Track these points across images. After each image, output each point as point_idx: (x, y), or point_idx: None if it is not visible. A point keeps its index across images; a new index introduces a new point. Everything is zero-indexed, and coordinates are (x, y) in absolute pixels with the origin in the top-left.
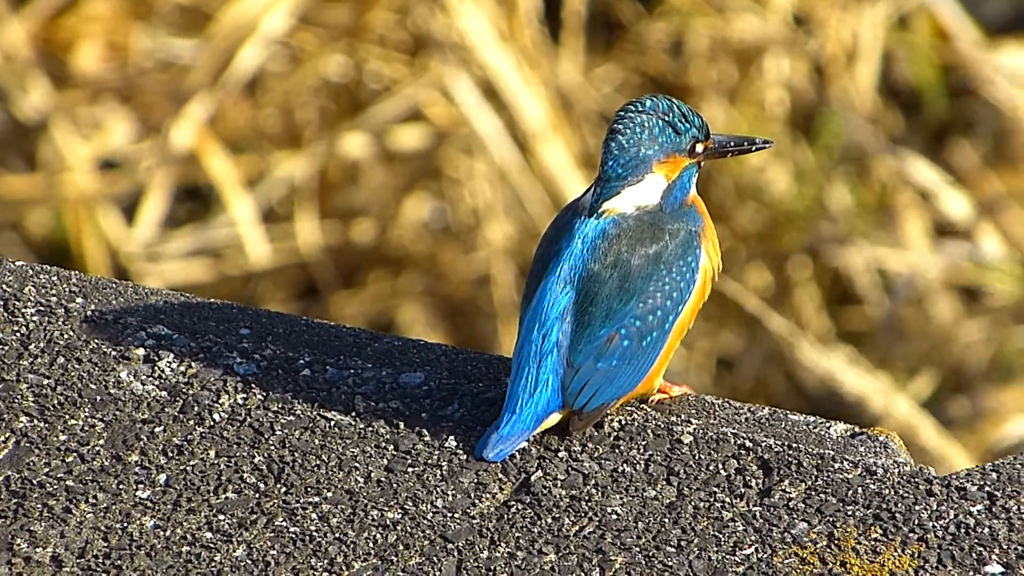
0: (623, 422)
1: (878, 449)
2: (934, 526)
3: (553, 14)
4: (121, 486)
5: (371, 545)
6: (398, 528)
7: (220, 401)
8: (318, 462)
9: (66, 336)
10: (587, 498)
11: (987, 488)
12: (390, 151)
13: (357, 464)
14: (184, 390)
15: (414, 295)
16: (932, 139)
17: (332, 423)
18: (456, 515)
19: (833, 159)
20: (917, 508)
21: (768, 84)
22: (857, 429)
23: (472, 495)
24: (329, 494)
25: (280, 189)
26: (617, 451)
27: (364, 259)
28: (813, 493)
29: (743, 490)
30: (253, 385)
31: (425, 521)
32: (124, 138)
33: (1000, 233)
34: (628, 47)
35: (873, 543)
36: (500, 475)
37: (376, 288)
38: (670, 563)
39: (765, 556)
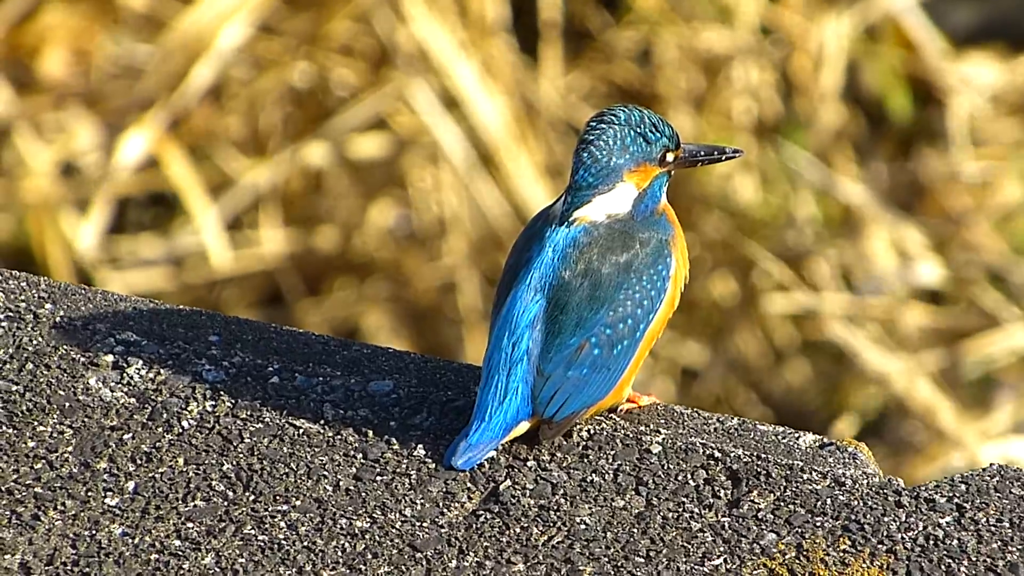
0: (592, 431)
1: (847, 460)
2: (903, 537)
3: (521, 23)
4: (90, 493)
5: (340, 554)
6: (366, 537)
7: (189, 408)
8: (287, 470)
9: (35, 342)
10: (556, 508)
11: (956, 500)
12: (354, 159)
13: (326, 472)
14: (153, 397)
15: (379, 302)
16: (897, 148)
17: (301, 431)
18: (425, 524)
19: (798, 170)
20: (886, 519)
21: (735, 93)
22: (826, 440)
23: (441, 504)
24: (298, 502)
25: (245, 196)
26: (586, 460)
27: (329, 266)
28: (782, 504)
29: (712, 500)
30: (222, 392)
31: (393, 530)
32: (88, 143)
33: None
34: (596, 56)
35: (842, 554)
36: (469, 484)
37: (341, 295)
38: (639, 573)
39: (734, 567)
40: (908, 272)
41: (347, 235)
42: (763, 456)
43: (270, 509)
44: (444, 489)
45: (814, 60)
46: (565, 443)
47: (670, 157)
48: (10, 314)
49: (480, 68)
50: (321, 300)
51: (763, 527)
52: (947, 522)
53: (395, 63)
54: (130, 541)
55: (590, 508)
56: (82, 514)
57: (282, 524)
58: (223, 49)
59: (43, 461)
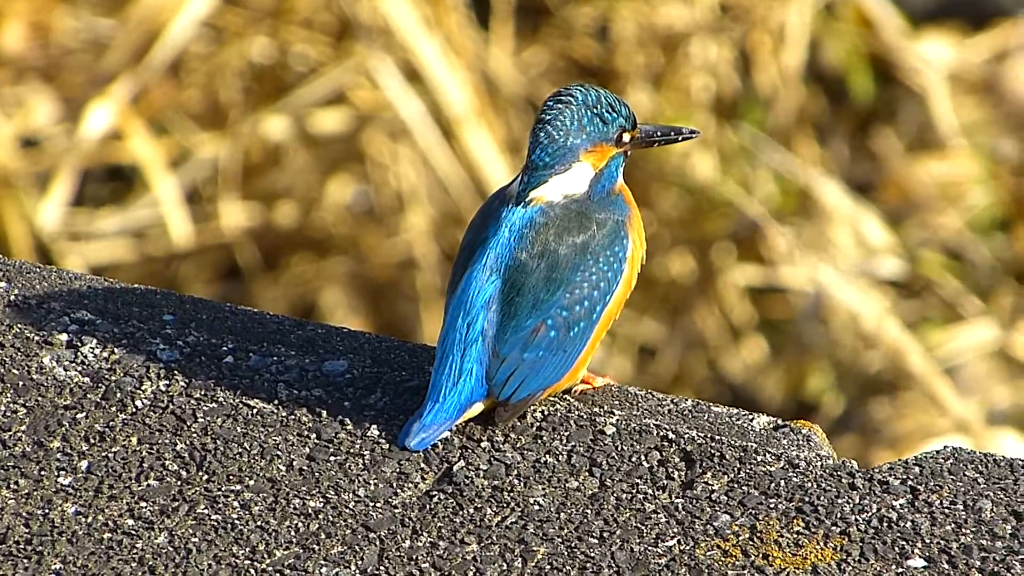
0: (546, 412)
1: (800, 442)
2: (856, 519)
3: None
4: (43, 472)
5: (293, 533)
6: (320, 517)
7: (143, 388)
8: (240, 450)
9: None
10: (509, 488)
11: (910, 482)
12: (313, 134)
13: (279, 452)
14: (107, 376)
15: (337, 278)
16: (857, 127)
17: (254, 411)
18: (378, 504)
19: (756, 148)
20: (839, 501)
21: (694, 70)
22: (780, 422)
23: (394, 484)
24: (251, 482)
25: (203, 170)
26: (540, 442)
27: (287, 242)
28: (736, 486)
29: (666, 482)
30: (176, 372)
31: (347, 510)
32: (47, 118)
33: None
34: (554, 32)
35: (795, 536)
36: (422, 465)
37: (299, 271)
38: (592, 554)
39: (687, 548)
40: (870, 265)
41: (306, 210)
42: (717, 438)
43: (223, 489)
44: (398, 469)
45: (774, 38)
46: (519, 424)
47: (627, 137)
48: None
49: (442, 43)
50: (279, 275)
51: (717, 509)
52: (901, 504)
53: (357, 37)
54: (83, 520)
55: (544, 489)
56: (35, 493)
57: (235, 504)
58: (187, 21)
59: None
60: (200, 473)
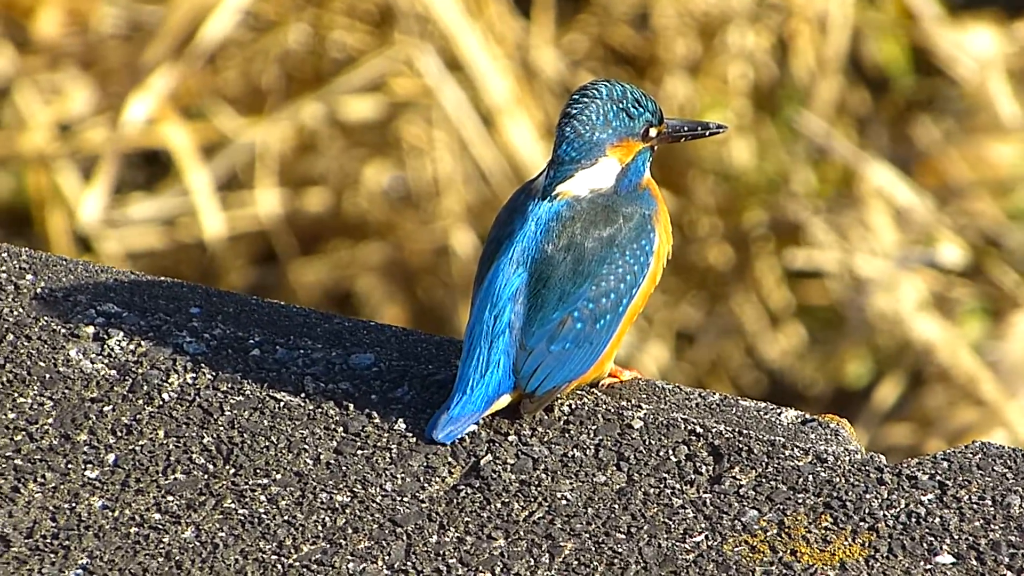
0: (573, 406)
1: (829, 436)
2: (885, 515)
3: None
4: (70, 465)
5: (320, 528)
6: (347, 511)
7: (169, 380)
8: (267, 443)
9: (16, 313)
10: (537, 483)
11: (938, 477)
12: (350, 120)
13: (306, 446)
14: (133, 369)
15: (372, 264)
16: (897, 116)
17: (281, 404)
18: (405, 499)
19: (794, 135)
20: (868, 497)
21: (732, 58)
22: (808, 416)
23: (421, 478)
24: (278, 476)
25: (241, 157)
26: (567, 436)
27: (322, 228)
28: (764, 480)
29: (693, 476)
30: (203, 365)
31: (374, 504)
32: (84, 105)
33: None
34: (592, 19)
35: (823, 531)
36: (450, 459)
37: (334, 257)
38: (620, 549)
39: (715, 543)
40: (914, 252)
41: (341, 196)
42: (745, 432)
43: (250, 483)
44: (425, 463)
45: (812, 26)
46: (546, 418)
47: (653, 132)
48: None
49: (483, 31)
50: (314, 261)
51: (744, 503)
52: (929, 499)
53: (398, 25)
54: (110, 514)
55: (571, 483)
56: (62, 486)
57: (262, 498)
58: (229, 10)
59: (23, 433)
60: (227, 467)
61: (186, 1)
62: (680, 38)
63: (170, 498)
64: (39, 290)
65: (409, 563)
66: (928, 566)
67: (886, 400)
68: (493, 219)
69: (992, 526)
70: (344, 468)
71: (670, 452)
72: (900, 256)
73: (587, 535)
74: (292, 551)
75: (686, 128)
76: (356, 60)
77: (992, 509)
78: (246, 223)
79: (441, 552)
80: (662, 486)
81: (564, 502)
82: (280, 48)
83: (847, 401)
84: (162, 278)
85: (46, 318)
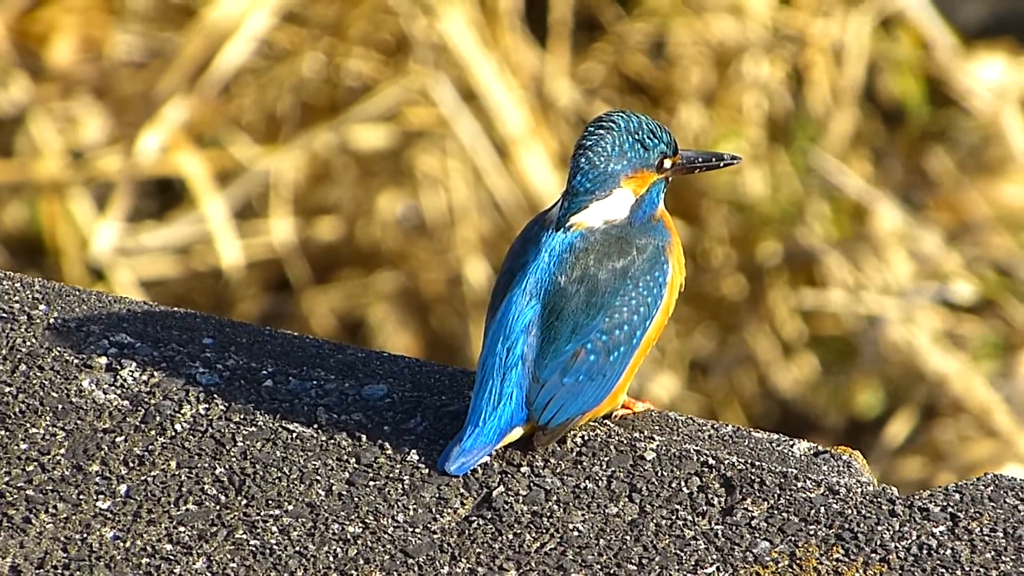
0: (586, 437)
1: (841, 468)
2: (896, 547)
3: (532, 15)
4: (81, 496)
5: (332, 559)
6: (359, 542)
7: (182, 411)
8: (279, 474)
9: (28, 343)
10: (549, 514)
11: (950, 509)
12: (363, 149)
13: (319, 477)
14: (146, 399)
15: (386, 293)
16: (912, 148)
17: (294, 435)
18: (417, 530)
19: (808, 167)
20: (879, 528)
21: (746, 88)
22: (820, 448)
23: (433, 510)
24: (290, 507)
25: (255, 185)
26: (580, 467)
27: (336, 256)
28: (776, 512)
29: (705, 508)
30: (215, 395)
31: (386, 535)
32: (98, 133)
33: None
34: (607, 48)
35: (835, 563)
36: (462, 490)
37: (348, 285)
38: None
39: (727, 575)
40: (928, 288)
41: (355, 225)
42: (757, 463)
43: (262, 513)
44: (437, 495)
45: (828, 57)
46: (559, 449)
47: (668, 163)
48: (3, 315)
49: (498, 61)
50: (328, 290)
51: (756, 535)
52: (941, 531)
53: (413, 55)
54: (121, 545)
55: (583, 515)
56: (74, 517)
57: (274, 529)
58: (244, 40)
59: (35, 463)
60: (239, 497)
61: (202, 29)
62: (695, 67)
63: (182, 529)
64: (52, 320)
65: None
66: None
67: (898, 433)
68: (507, 249)
69: (1003, 558)
70: (356, 499)
71: (682, 483)
72: (913, 291)
73: (599, 566)
74: None
75: (700, 159)
76: (371, 89)
77: (1004, 541)
78: (260, 251)
79: None
80: (674, 517)
81: (576, 533)
82: (295, 77)
83: (859, 431)
84: (175, 308)
85: (59, 348)
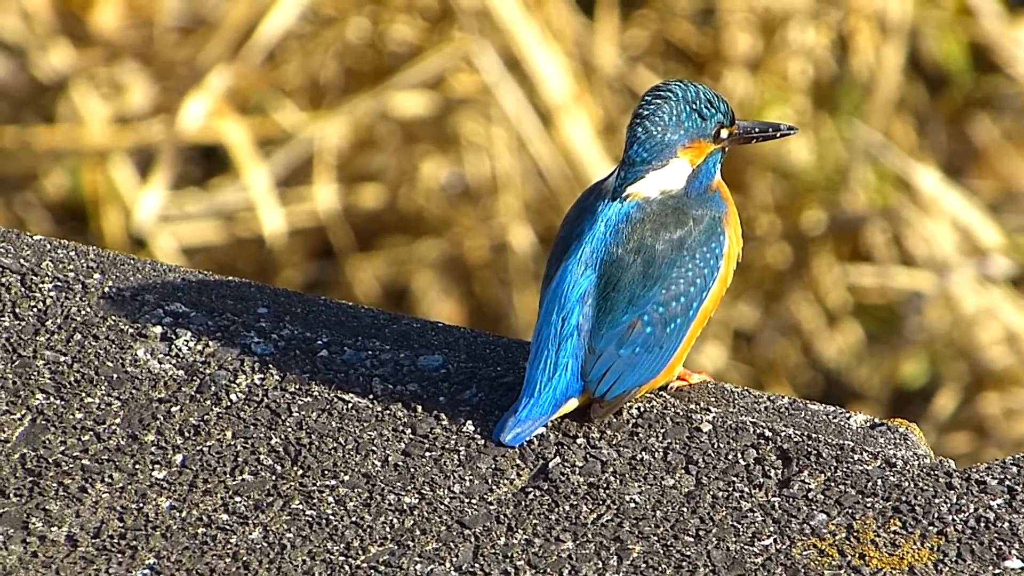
0: (642, 409)
1: (898, 441)
2: (954, 519)
3: None
4: (137, 466)
5: (387, 529)
6: (415, 513)
7: (237, 381)
8: (335, 445)
9: (83, 312)
10: (605, 486)
11: (1008, 482)
12: (408, 116)
13: (374, 447)
14: (201, 369)
15: (430, 260)
16: (956, 114)
17: (349, 405)
18: (473, 500)
19: (855, 138)
20: (937, 501)
21: (791, 54)
22: (877, 420)
23: (489, 481)
24: (346, 477)
25: (299, 153)
26: (636, 439)
27: (380, 223)
28: (832, 484)
29: (762, 480)
30: (270, 365)
31: (442, 506)
32: (142, 100)
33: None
34: (651, 14)
35: (892, 536)
36: (518, 461)
37: (392, 253)
38: (688, 553)
39: (784, 547)
40: (981, 264)
41: (398, 192)
42: (814, 436)
43: (318, 484)
44: (493, 465)
45: (873, 23)
46: (615, 421)
47: (724, 134)
48: (58, 284)
49: (542, 28)
50: (372, 257)
51: (813, 508)
52: (998, 504)
53: (458, 22)
54: (177, 514)
55: (639, 486)
56: (129, 487)
57: (330, 499)
58: (290, 3)
59: (91, 433)
60: (295, 468)
61: None
62: (741, 34)
63: (237, 499)
64: (106, 289)
65: (477, 565)
66: (997, 570)
67: (946, 406)
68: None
69: None
70: (412, 470)
71: (739, 455)
72: (956, 264)
73: (655, 538)
74: (360, 552)
75: (757, 129)
76: (415, 56)
77: None
78: (304, 219)
79: (509, 554)
80: (730, 489)
81: (632, 505)
82: (339, 43)
83: (904, 402)
84: (229, 278)
85: (114, 318)
